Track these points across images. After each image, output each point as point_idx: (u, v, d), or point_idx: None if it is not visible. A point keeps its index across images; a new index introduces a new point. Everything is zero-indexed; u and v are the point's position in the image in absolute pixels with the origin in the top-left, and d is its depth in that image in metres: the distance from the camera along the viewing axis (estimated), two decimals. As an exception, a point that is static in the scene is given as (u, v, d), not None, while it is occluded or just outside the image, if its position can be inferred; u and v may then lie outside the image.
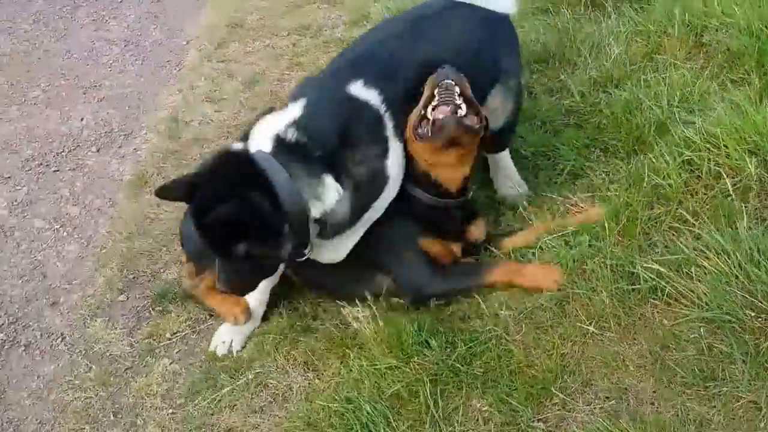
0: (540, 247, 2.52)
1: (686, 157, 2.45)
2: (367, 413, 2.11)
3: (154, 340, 2.61)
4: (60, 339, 2.65)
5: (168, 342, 2.60)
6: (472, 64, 2.54)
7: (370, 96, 2.36)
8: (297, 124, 2.25)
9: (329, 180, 2.22)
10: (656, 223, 2.38)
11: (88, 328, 2.67)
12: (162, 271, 2.90)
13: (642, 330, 2.17)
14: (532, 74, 3.48)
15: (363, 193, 2.33)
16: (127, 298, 2.80)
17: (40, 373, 2.53)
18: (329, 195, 2.23)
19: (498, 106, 2.69)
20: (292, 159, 2.20)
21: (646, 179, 2.46)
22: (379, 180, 2.37)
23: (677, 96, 2.87)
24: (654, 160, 2.53)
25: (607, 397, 2.03)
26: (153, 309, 2.73)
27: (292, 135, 2.23)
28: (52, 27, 4.78)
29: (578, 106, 3.19)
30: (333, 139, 2.26)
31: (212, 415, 2.31)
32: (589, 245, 2.44)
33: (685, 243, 2.25)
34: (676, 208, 2.35)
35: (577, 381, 2.08)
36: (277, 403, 2.30)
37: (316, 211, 2.22)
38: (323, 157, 2.23)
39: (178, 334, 2.62)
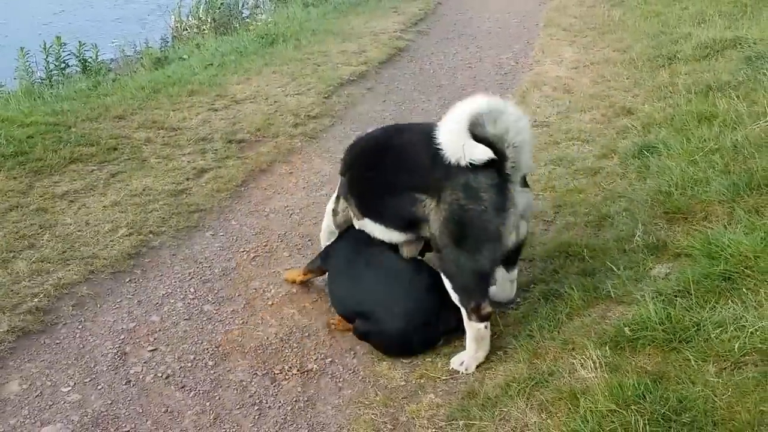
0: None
1: None
2: (590, 443, 2.47)
3: (424, 380, 3.17)
4: (356, 373, 3.30)
5: (434, 383, 3.15)
6: None
7: None
8: None
9: None
10: None
11: (377, 367, 3.30)
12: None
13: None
14: (761, 196, 3.69)
15: None
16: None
17: (340, 395, 3.16)
18: None
19: None
20: None
21: None
22: None
23: None
24: None
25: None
26: (425, 359, 3.32)
27: None
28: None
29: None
30: None
31: (465, 436, 2.80)
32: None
33: None
34: None
35: (773, 431, 2.29)
36: (515, 433, 2.73)
37: None
38: None
39: (440, 378, 3.17)
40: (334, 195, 3.80)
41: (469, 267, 3.09)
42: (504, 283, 3.50)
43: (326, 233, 3.91)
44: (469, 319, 3.16)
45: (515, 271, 3.52)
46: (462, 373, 3.19)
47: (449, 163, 3.00)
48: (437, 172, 3.07)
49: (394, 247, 3.53)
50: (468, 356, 3.21)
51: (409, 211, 3.24)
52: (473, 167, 2.98)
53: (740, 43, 6.49)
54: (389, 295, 3.34)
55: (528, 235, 3.45)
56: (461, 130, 2.94)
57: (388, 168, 3.35)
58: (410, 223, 3.31)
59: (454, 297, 3.18)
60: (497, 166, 2.99)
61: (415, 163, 3.21)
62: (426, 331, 3.30)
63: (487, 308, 3.14)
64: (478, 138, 2.93)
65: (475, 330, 3.16)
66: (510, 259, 3.38)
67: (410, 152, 3.29)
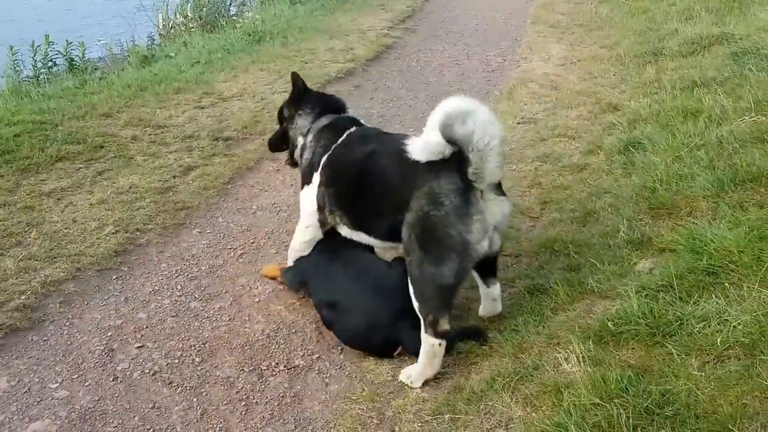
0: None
1: None
2: (573, 434, 2.49)
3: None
4: (343, 369, 3.31)
5: (420, 378, 3.18)
6: None
7: None
8: None
9: None
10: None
11: (363, 362, 3.31)
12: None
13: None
14: (745, 192, 3.73)
15: None
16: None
17: (327, 390, 3.17)
18: None
19: None
20: None
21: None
22: None
23: None
24: None
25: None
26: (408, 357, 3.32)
27: None
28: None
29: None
30: None
31: (451, 430, 2.80)
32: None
33: None
34: None
35: (755, 424, 2.31)
36: (501, 427, 2.74)
37: None
38: None
39: (428, 373, 3.20)
40: (315, 206, 3.62)
41: (430, 276, 3.02)
42: (486, 301, 3.45)
43: (306, 245, 3.76)
44: (425, 331, 3.08)
45: (497, 287, 3.43)
46: (407, 386, 3.15)
47: (416, 172, 3.02)
48: (407, 187, 3.08)
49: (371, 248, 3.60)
50: (416, 371, 3.15)
51: (396, 222, 3.17)
52: (436, 172, 2.97)
53: (727, 39, 6.54)
54: (358, 288, 3.37)
55: (503, 243, 3.43)
56: (432, 129, 2.92)
57: (374, 191, 3.32)
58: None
59: (415, 304, 3.11)
60: (460, 170, 2.95)
61: (392, 185, 3.20)
62: (387, 331, 3.27)
63: (444, 326, 3.06)
64: (447, 139, 2.89)
65: (428, 344, 3.08)
66: (487, 270, 3.34)
67: (387, 173, 3.26)
